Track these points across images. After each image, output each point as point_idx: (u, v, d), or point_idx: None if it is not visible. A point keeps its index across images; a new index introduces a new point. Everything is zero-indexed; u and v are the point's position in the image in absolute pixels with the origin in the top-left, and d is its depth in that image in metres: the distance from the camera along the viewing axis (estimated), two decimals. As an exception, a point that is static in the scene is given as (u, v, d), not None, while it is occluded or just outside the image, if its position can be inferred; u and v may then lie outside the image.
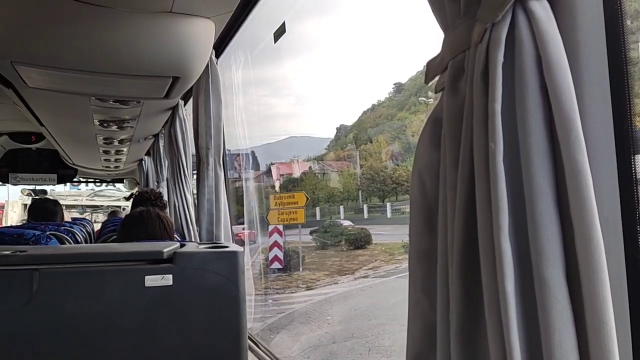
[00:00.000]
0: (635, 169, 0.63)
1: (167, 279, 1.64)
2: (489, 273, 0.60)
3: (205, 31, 1.82)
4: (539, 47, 0.60)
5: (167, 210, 3.29)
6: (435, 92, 0.74)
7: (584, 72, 0.63)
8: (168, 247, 1.67)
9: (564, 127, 0.57)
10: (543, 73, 0.59)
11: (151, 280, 1.62)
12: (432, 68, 0.76)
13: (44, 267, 1.53)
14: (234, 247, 1.79)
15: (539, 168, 0.58)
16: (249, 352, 2.09)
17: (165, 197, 3.61)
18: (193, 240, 3.08)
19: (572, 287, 0.57)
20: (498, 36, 0.61)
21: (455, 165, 0.66)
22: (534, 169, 0.58)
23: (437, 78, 0.76)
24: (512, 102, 0.61)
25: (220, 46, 2.43)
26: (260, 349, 2.43)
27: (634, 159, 0.63)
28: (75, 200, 16.13)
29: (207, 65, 2.27)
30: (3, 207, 16.03)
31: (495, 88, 0.60)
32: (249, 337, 2.48)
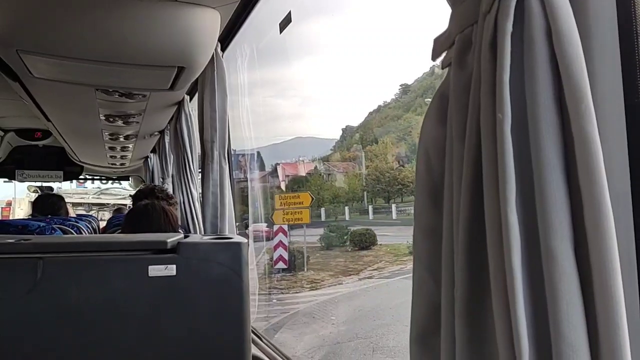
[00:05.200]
0: (646, 141, 0.62)
1: (171, 269, 1.63)
2: (495, 247, 0.58)
3: (210, 21, 1.82)
4: (548, 17, 0.58)
5: (176, 206, 3.29)
6: (442, 68, 0.73)
7: (594, 42, 0.61)
8: (172, 238, 1.67)
9: (574, 98, 0.56)
10: (553, 43, 0.58)
11: (154, 270, 1.62)
12: (439, 44, 0.75)
13: (48, 255, 1.53)
14: (238, 238, 1.78)
15: (548, 139, 0.57)
16: (252, 345, 2.09)
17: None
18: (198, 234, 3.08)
19: (581, 261, 0.56)
20: (507, 5, 0.60)
21: (462, 138, 0.65)
22: (543, 140, 0.57)
23: (444, 54, 0.75)
24: (520, 72, 0.59)
25: (226, 39, 2.43)
26: (263, 341, 2.42)
27: (644, 130, 0.62)
28: (81, 198, 16.22)
29: (213, 57, 2.27)
30: (10, 204, 16.13)
31: (503, 58, 0.59)
32: (252, 330, 2.47)
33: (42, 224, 2.38)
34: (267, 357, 2.18)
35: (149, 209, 2.24)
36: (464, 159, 0.64)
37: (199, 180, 3.16)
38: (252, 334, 2.35)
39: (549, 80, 0.58)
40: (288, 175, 29.69)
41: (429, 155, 0.72)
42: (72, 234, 3.03)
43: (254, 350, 2.03)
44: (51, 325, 1.51)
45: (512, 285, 0.56)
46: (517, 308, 0.55)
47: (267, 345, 2.38)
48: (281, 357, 2.22)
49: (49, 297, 1.52)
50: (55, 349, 1.51)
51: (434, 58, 0.75)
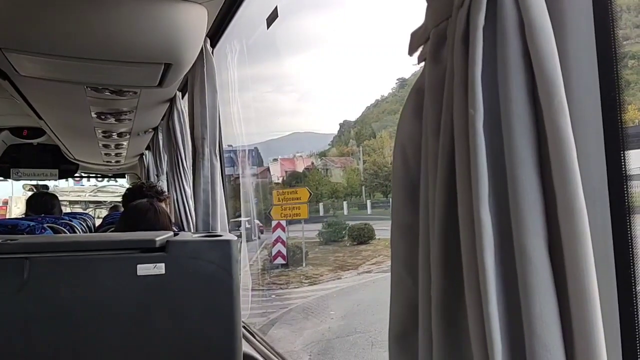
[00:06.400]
0: (622, 137, 0.61)
1: (160, 268, 1.62)
2: (468, 245, 0.57)
3: (197, 17, 1.80)
4: (521, 9, 0.57)
5: (168, 203, 3.28)
6: (418, 63, 0.72)
7: (569, 35, 0.60)
8: (160, 236, 1.65)
9: (547, 93, 0.55)
10: (525, 37, 0.57)
11: (143, 269, 1.61)
12: (416, 39, 0.73)
13: (35, 255, 1.52)
14: (227, 236, 1.77)
15: (521, 135, 0.56)
16: (244, 341, 2.08)
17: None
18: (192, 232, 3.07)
19: (555, 259, 0.55)
20: (479, -1, 0.58)
21: (437, 135, 0.63)
22: (516, 137, 0.56)
23: (420, 49, 0.73)
24: (493, 67, 0.58)
25: (215, 35, 2.41)
26: (256, 338, 2.42)
27: (621, 126, 0.61)
28: (78, 196, 16.18)
29: (202, 53, 2.25)
30: (7, 203, 16.12)
31: (475, 52, 0.57)
32: (245, 327, 2.46)
33: (32, 224, 2.36)
34: (259, 353, 2.17)
35: (146, 209, 2.22)
36: (439, 156, 0.63)
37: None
38: (244, 331, 2.34)
39: (522, 75, 0.57)
40: (287, 171, 29.69)
41: (406, 152, 0.71)
42: (65, 233, 3.01)
43: (246, 348, 2.02)
44: (39, 325, 1.50)
45: (484, 285, 0.55)
46: (490, 307, 0.54)
47: (259, 342, 2.37)
48: (273, 354, 2.22)
49: (37, 297, 1.51)
50: (44, 350, 1.50)
51: (410, 53, 0.74)
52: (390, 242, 0.73)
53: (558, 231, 0.54)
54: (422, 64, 0.73)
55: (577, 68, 0.61)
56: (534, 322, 0.53)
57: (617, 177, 0.61)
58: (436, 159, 0.64)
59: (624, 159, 0.61)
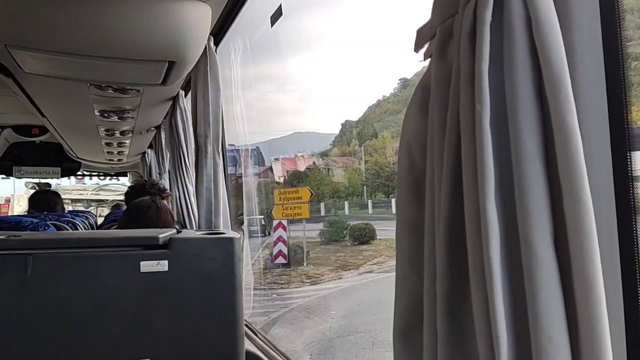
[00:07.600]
0: (628, 132, 0.61)
1: (163, 265, 1.62)
2: (474, 240, 0.58)
3: (201, 15, 1.80)
4: (528, 6, 0.57)
5: (170, 199, 3.29)
6: (424, 60, 0.72)
7: (575, 31, 0.60)
8: (164, 233, 1.66)
9: (553, 88, 0.55)
10: (532, 33, 0.57)
11: (146, 266, 1.61)
12: (422, 35, 0.73)
13: (38, 251, 1.52)
14: (230, 233, 1.77)
15: (527, 130, 0.56)
16: (247, 340, 2.08)
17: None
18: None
19: (561, 253, 0.55)
20: (486, -6, 0.58)
21: (443, 131, 0.64)
22: (522, 131, 0.56)
23: (426, 46, 0.74)
24: (500, 62, 0.58)
25: (219, 34, 2.41)
26: (258, 337, 2.42)
27: (627, 121, 0.61)
28: (80, 194, 16.21)
29: (205, 51, 2.25)
30: (9, 200, 16.16)
31: (482, 48, 0.57)
32: (247, 325, 2.46)
33: (35, 220, 2.37)
34: (261, 352, 2.17)
35: (146, 206, 2.23)
36: (444, 152, 0.63)
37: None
38: (246, 329, 2.34)
39: (529, 70, 0.57)
40: (288, 171, 29.72)
41: (411, 149, 0.72)
42: (67, 230, 3.02)
43: (248, 346, 2.03)
44: (41, 321, 1.51)
45: (490, 279, 0.55)
46: (496, 301, 0.55)
47: (261, 340, 2.37)
48: (275, 352, 2.22)
49: (39, 293, 1.51)
50: (46, 346, 1.50)
51: (416, 50, 0.74)
52: (395, 239, 0.74)
53: (564, 226, 0.54)
54: (428, 60, 0.73)
55: (584, 64, 0.61)
56: (539, 315, 0.53)
57: (623, 172, 0.61)
58: (442, 156, 0.64)
59: (630, 154, 0.61)
